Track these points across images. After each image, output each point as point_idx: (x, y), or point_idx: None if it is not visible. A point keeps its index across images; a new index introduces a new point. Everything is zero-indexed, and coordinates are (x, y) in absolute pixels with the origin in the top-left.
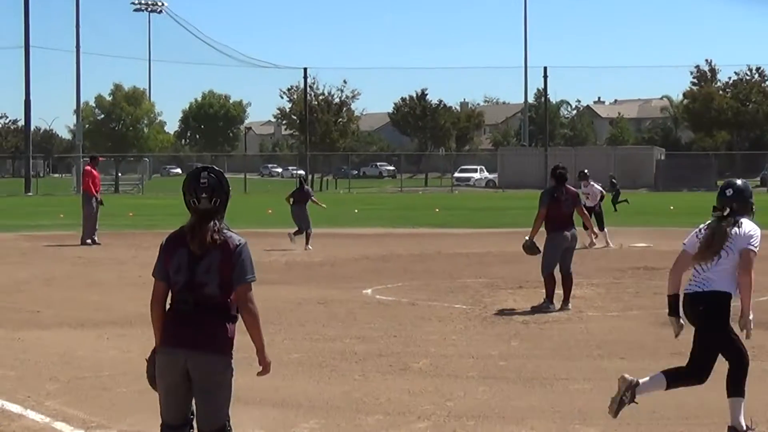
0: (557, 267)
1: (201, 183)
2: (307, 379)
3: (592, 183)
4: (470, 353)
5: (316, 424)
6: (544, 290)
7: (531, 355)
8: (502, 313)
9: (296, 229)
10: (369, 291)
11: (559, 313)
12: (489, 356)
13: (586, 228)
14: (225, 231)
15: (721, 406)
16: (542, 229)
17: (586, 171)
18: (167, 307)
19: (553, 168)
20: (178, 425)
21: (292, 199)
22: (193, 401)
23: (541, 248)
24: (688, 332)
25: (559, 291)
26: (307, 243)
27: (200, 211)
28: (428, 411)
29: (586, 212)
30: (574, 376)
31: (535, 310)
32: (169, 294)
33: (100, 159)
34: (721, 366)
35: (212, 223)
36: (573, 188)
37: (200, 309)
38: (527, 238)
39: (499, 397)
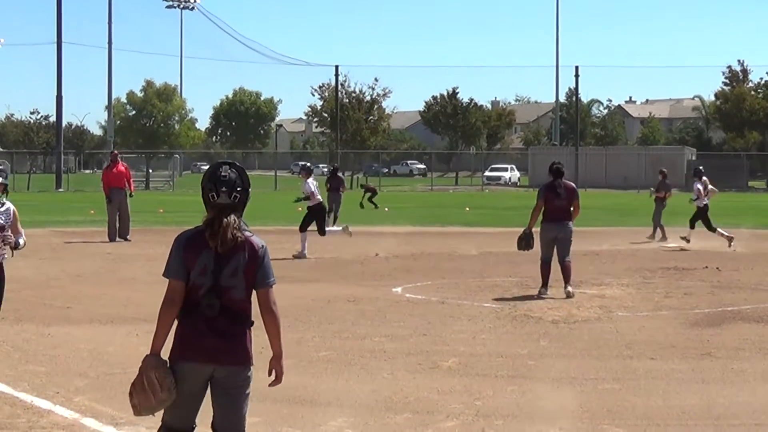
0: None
1: (221, 177)
2: (336, 377)
3: (705, 180)
4: (499, 352)
5: (344, 423)
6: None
7: (560, 355)
8: (531, 312)
9: (343, 226)
10: (399, 289)
11: (588, 313)
12: (518, 355)
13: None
14: (245, 231)
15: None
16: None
17: (701, 168)
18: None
19: (551, 164)
20: (183, 431)
21: (328, 185)
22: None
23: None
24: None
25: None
26: (334, 223)
27: (219, 206)
28: (457, 410)
29: (579, 207)
30: (603, 375)
31: (538, 297)
32: (184, 295)
33: (116, 154)
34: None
35: (231, 218)
36: (570, 183)
37: (225, 315)
38: (525, 229)
39: (528, 397)
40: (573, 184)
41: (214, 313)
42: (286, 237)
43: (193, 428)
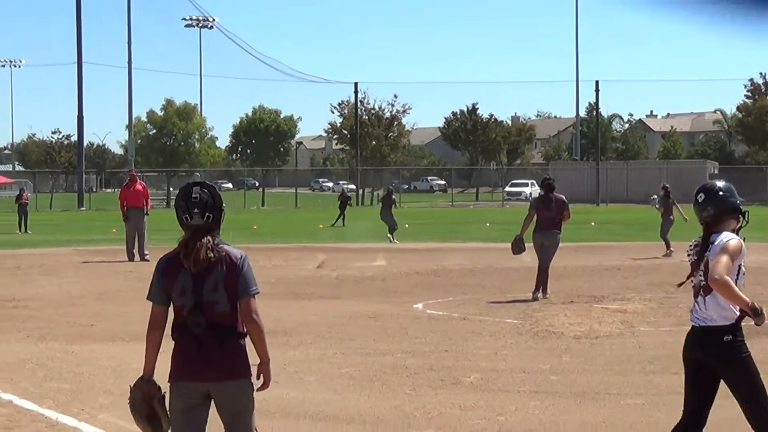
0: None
1: (192, 198)
2: (358, 394)
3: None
4: (521, 368)
5: None
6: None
7: (582, 370)
8: (553, 327)
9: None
10: (420, 305)
11: (610, 328)
12: (540, 371)
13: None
14: (222, 246)
15: None
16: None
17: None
18: (166, 332)
19: (543, 179)
20: None
21: (381, 204)
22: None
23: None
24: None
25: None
26: (392, 237)
27: (192, 227)
28: (479, 426)
29: (570, 215)
30: (626, 391)
31: (531, 299)
32: (165, 319)
33: (134, 173)
34: None
35: (206, 239)
36: (561, 196)
37: (213, 330)
38: (516, 235)
39: (551, 412)
40: (563, 197)
41: (200, 329)
42: (306, 254)
43: None
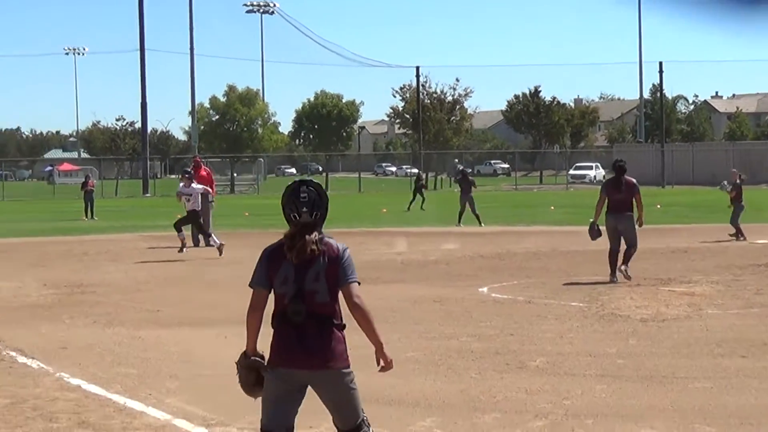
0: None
1: (301, 198)
2: (424, 378)
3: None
4: (587, 351)
5: (432, 423)
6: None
7: (649, 353)
8: (619, 310)
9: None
10: (485, 289)
11: (677, 311)
12: (607, 354)
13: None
14: (325, 239)
15: None
16: None
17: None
18: (266, 319)
19: (614, 161)
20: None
21: (460, 187)
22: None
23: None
24: None
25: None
26: (479, 222)
27: (300, 225)
28: (545, 409)
29: (642, 204)
30: (693, 374)
31: (609, 282)
32: (266, 303)
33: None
34: None
35: (312, 235)
36: (631, 179)
37: (312, 320)
38: (591, 220)
39: (618, 396)
40: (633, 180)
41: (300, 318)
42: (370, 238)
43: (291, 429)
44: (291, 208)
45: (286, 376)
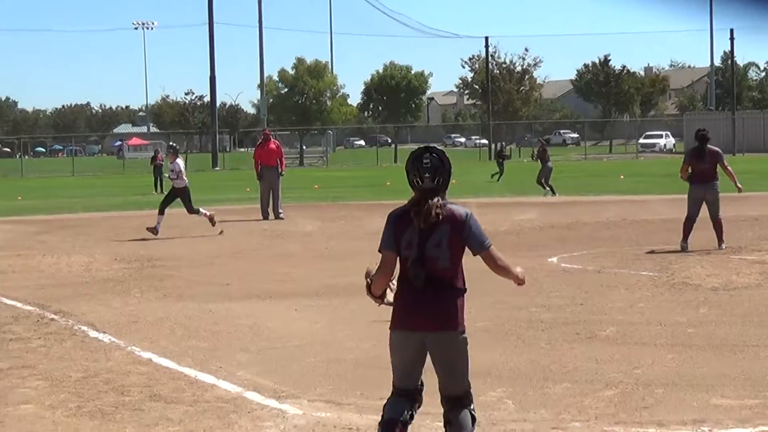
0: (706, 215)
1: (424, 163)
2: (494, 348)
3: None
4: (658, 320)
5: (503, 393)
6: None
7: (720, 322)
8: (689, 279)
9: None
10: (554, 259)
11: (748, 279)
12: (677, 323)
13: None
14: (449, 206)
15: None
16: None
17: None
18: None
19: (697, 131)
20: (411, 390)
21: (538, 159)
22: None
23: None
24: None
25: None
26: (553, 192)
27: (423, 190)
28: (616, 379)
29: (729, 169)
30: (764, 342)
31: (681, 251)
32: (395, 265)
33: (268, 132)
34: None
35: (435, 200)
36: (714, 147)
37: (432, 284)
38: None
39: (688, 365)
40: (717, 149)
41: (420, 282)
42: None
43: (419, 387)
44: (414, 174)
45: (405, 337)
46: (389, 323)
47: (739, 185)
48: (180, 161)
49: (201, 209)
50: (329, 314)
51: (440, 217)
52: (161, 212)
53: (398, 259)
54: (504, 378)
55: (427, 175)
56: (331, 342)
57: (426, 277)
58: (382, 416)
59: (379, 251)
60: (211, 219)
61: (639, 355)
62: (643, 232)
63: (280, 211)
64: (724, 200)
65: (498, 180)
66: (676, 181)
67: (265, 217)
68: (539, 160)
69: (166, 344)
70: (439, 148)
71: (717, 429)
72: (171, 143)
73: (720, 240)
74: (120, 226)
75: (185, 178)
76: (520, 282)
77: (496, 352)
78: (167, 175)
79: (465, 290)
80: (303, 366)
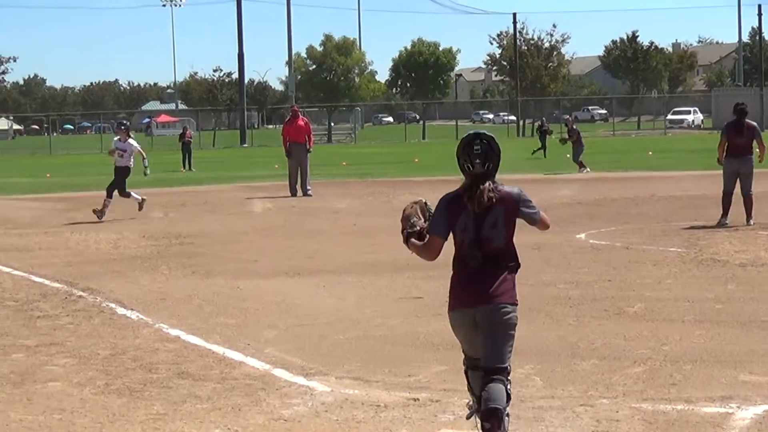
0: (738, 189)
1: (475, 150)
2: (522, 324)
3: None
4: (686, 297)
5: (531, 369)
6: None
7: (748, 298)
8: (717, 255)
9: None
10: (582, 235)
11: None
12: (705, 299)
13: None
14: (500, 187)
15: None
16: None
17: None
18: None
19: (736, 104)
20: (479, 358)
21: (569, 136)
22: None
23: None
24: None
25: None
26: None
27: (474, 175)
28: (644, 355)
29: (763, 143)
30: None
31: (716, 226)
32: (441, 249)
33: (296, 109)
34: None
35: (487, 184)
36: (752, 122)
37: (488, 263)
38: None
39: (716, 341)
40: (754, 123)
41: (477, 263)
42: None
43: None
44: (465, 160)
45: (462, 316)
46: (447, 305)
47: (763, 158)
48: (133, 141)
49: (132, 193)
50: (357, 291)
51: (493, 200)
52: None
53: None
54: (532, 355)
55: (477, 160)
56: (359, 319)
57: (482, 257)
58: (470, 386)
59: (427, 233)
60: (141, 204)
61: (667, 331)
62: (672, 208)
63: (309, 187)
64: (754, 176)
65: (544, 155)
66: (705, 157)
67: (293, 193)
68: (570, 140)
69: (194, 321)
70: (488, 134)
71: (745, 405)
72: (122, 120)
73: (748, 216)
74: (148, 203)
75: (132, 161)
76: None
77: (524, 328)
78: (117, 155)
79: (518, 266)
80: (331, 343)
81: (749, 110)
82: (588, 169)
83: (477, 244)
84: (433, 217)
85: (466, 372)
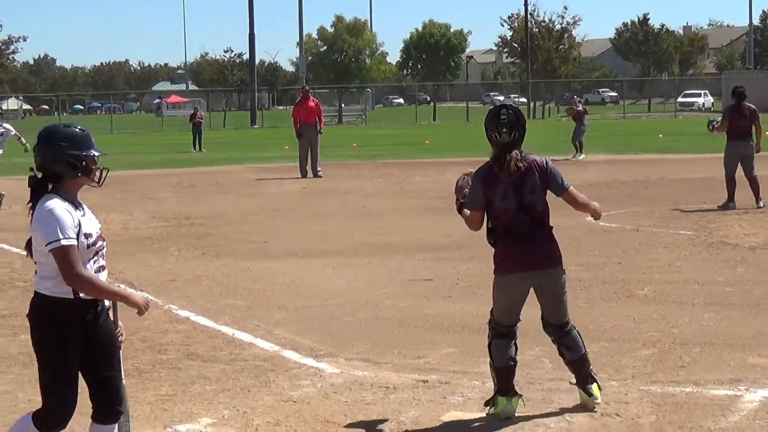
0: (742, 172)
1: (501, 119)
2: (532, 307)
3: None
4: (695, 279)
5: (541, 351)
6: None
7: (758, 281)
8: (727, 238)
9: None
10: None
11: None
12: (715, 282)
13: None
14: (528, 155)
15: None
16: None
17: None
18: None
19: (734, 87)
20: (513, 326)
21: (573, 117)
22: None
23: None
24: None
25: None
26: (579, 151)
27: (501, 144)
28: (653, 338)
29: (761, 126)
30: None
31: (720, 208)
32: (483, 221)
33: (307, 90)
34: None
35: (514, 153)
36: (751, 105)
37: (535, 226)
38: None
39: (726, 324)
40: (754, 106)
41: (525, 227)
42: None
43: (517, 324)
44: (492, 129)
45: (520, 280)
46: (494, 269)
47: (760, 146)
48: (8, 125)
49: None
50: (367, 273)
51: (523, 167)
52: None
53: (487, 213)
54: (542, 336)
55: (504, 129)
56: (368, 301)
57: (530, 221)
58: (493, 360)
59: (467, 209)
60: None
61: (676, 314)
62: (682, 191)
63: (319, 169)
64: (763, 159)
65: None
66: (715, 140)
67: (304, 175)
68: (569, 116)
69: (203, 302)
70: (515, 106)
71: (754, 388)
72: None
73: (757, 198)
74: (158, 184)
75: (3, 149)
76: (597, 215)
77: (533, 311)
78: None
79: (552, 227)
80: (340, 325)
81: (759, 93)
82: (582, 156)
83: (524, 210)
84: (470, 193)
85: (489, 345)
